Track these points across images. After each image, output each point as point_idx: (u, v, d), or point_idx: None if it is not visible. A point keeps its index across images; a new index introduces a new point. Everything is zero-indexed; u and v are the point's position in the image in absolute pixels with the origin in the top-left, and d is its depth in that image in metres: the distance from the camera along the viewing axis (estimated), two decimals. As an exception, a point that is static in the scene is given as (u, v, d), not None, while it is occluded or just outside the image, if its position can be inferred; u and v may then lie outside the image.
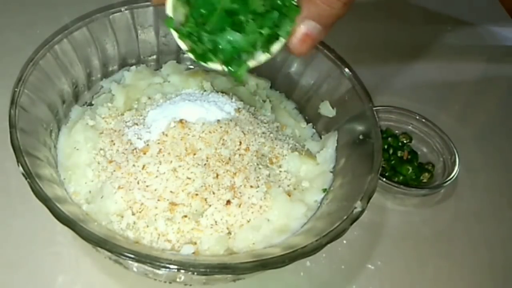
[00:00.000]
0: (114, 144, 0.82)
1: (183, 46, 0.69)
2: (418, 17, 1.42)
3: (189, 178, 0.77)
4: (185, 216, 0.76)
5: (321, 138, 0.95)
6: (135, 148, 0.81)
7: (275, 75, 1.02)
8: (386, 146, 1.02)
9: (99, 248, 0.65)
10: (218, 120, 0.83)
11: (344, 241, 0.87)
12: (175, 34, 0.69)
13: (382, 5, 1.43)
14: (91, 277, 0.79)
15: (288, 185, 0.85)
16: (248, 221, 0.78)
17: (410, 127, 1.07)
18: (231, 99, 0.90)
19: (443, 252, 0.91)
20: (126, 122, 0.87)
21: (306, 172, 0.87)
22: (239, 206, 0.78)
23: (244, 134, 0.83)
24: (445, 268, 0.89)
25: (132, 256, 0.63)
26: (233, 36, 0.68)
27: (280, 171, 0.86)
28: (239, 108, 0.88)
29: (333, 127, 0.92)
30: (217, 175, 0.78)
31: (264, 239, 0.77)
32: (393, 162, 1.01)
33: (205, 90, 0.94)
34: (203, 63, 0.70)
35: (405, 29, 1.36)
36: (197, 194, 0.77)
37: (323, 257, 0.85)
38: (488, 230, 0.96)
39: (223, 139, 0.82)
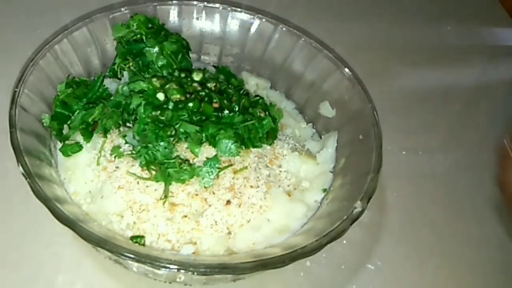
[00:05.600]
0: (114, 144, 0.82)
1: None
2: (418, 17, 1.42)
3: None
4: (185, 216, 0.76)
5: (321, 138, 0.95)
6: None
7: (275, 75, 1.02)
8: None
9: (99, 248, 0.65)
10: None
11: (344, 241, 0.87)
12: None
13: (382, 5, 1.43)
14: (91, 277, 0.79)
15: (288, 185, 0.85)
16: (248, 221, 0.78)
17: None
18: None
19: (443, 252, 0.91)
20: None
21: (306, 172, 0.87)
22: (239, 206, 0.78)
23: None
24: (445, 268, 0.89)
25: (132, 256, 0.63)
26: None
27: (280, 171, 0.86)
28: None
29: (333, 127, 0.92)
30: (217, 175, 0.78)
31: (264, 239, 0.77)
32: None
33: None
34: None
35: (405, 29, 1.36)
36: (197, 194, 0.77)
37: (323, 257, 0.85)
38: (488, 230, 0.96)
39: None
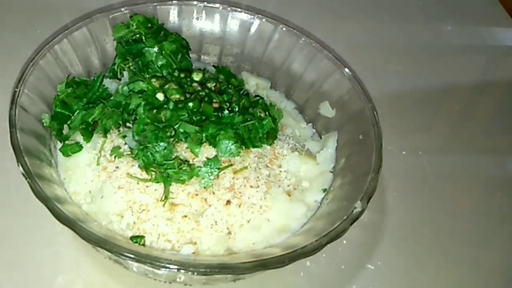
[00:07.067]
0: (114, 144, 0.82)
1: None
2: (418, 17, 1.42)
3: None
4: (185, 216, 0.76)
5: (321, 138, 0.95)
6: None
7: (275, 75, 1.02)
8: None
9: (99, 248, 0.65)
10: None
11: (344, 241, 0.87)
12: None
13: (382, 4, 1.43)
14: (91, 277, 0.79)
15: (288, 185, 0.85)
16: (248, 221, 0.78)
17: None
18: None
19: (443, 252, 0.91)
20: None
21: (306, 172, 0.87)
22: (239, 206, 0.78)
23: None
24: (445, 268, 0.89)
25: (132, 256, 0.63)
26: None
27: (280, 171, 0.86)
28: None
29: (333, 127, 0.92)
30: (217, 175, 0.78)
31: (264, 239, 0.77)
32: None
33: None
34: None
35: (405, 29, 1.36)
36: (197, 194, 0.77)
37: (323, 257, 0.85)
38: (488, 230, 0.96)
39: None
